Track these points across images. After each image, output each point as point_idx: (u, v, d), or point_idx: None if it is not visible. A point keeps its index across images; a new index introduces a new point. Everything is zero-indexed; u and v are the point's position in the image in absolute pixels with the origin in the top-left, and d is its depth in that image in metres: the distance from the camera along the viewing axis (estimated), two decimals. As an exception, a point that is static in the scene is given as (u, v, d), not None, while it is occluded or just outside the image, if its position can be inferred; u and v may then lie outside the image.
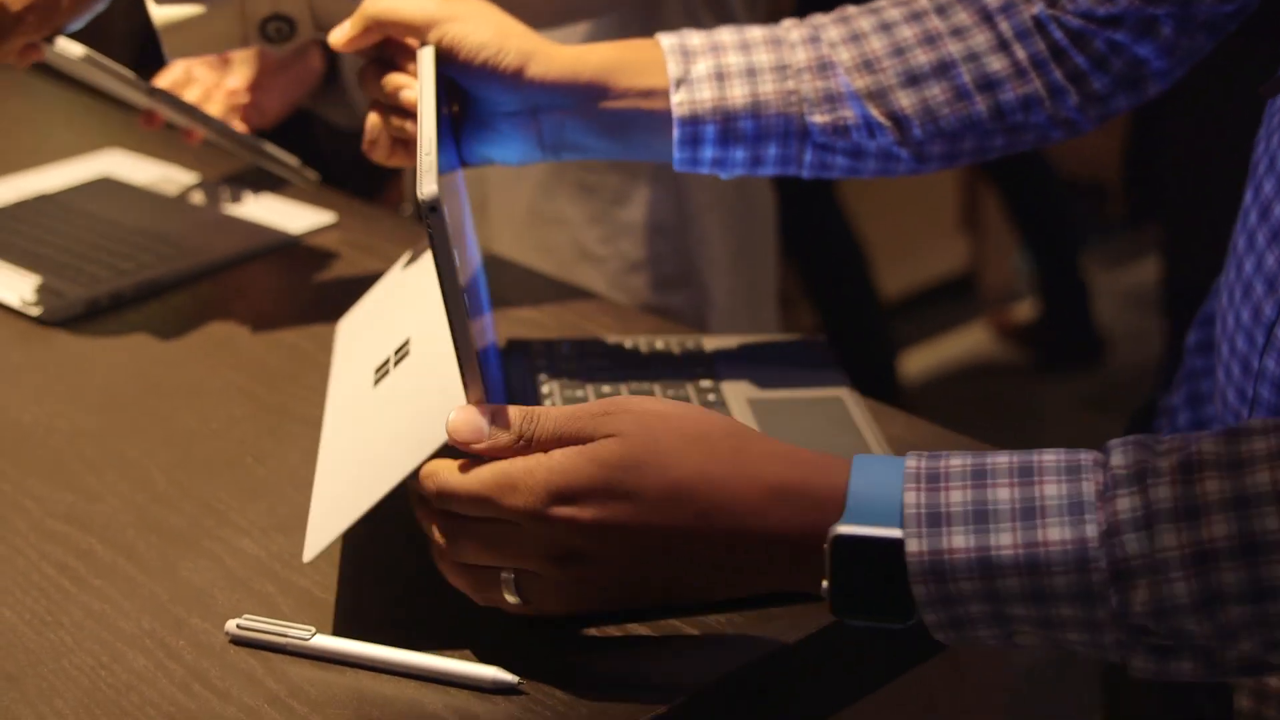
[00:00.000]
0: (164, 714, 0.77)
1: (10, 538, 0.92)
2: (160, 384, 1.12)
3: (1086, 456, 0.70)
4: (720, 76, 0.99)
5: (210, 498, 0.96)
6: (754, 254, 1.53)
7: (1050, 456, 0.70)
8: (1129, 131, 3.35)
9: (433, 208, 0.75)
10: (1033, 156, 2.99)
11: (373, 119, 1.02)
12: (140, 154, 1.57)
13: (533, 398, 1.01)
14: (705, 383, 1.02)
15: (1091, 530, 0.67)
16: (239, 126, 1.41)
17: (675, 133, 1.00)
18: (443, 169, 0.81)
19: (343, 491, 0.85)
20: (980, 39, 1.00)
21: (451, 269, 0.75)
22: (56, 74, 1.82)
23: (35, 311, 1.22)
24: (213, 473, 0.99)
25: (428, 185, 0.75)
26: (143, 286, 1.27)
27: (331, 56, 1.51)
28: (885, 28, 1.01)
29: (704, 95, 0.99)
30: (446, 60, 0.98)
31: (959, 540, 0.69)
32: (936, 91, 1.00)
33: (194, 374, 1.13)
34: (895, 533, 0.70)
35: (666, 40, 1.01)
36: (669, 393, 1.01)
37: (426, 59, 0.95)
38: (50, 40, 1.13)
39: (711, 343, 1.09)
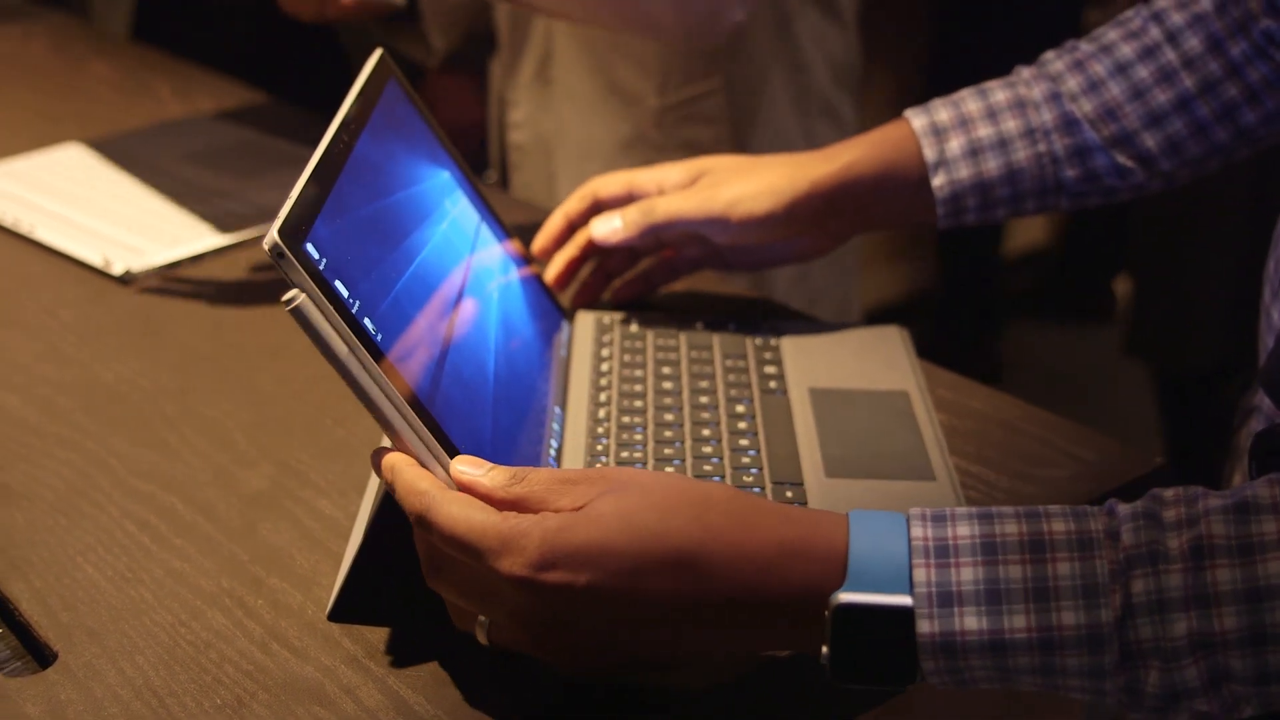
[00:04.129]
0: (242, 672, 0.77)
1: (93, 494, 0.93)
2: (240, 345, 1.13)
3: (1096, 526, 0.68)
4: (974, 152, 1.04)
5: (289, 458, 0.96)
6: None
7: (1060, 527, 0.68)
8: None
9: (279, 254, 0.70)
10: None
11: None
12: (225, 119, 1.58)
13: (594, 373, 1.01)
14: (770, 369, 1.02)
15: (1106, 615, 0.66)
16: None
17: (939, 209, 1.05)
18: (348, 203, 0.79)
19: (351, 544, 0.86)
20: (1213, 67, 1.02)
21: (326, 307, 0.71)
22: (144, 38, 1.84)
23: (117, 270, 1.23)
24: (291, 434, 0.99)
25: (270, 233, 0.70)
26: (224, 248, 1.28)
27: None
28: (1121, 70, 1.04)
29: (961, 175, 1.04)
30: (744, 233, 1.04)
31: (971, 622, 0.67)
32: (1179, 127, 1.03)
33: (274, 336, 1.14)
34: (904, 600, 0.67)
35: (917, 121, 1.05)
36: (730, 377, 1.01)
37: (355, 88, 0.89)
38: None
39: (783, 325, 1.08)
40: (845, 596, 0.67)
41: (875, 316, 1.16)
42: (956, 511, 0.69)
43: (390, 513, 0.80)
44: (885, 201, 1.05)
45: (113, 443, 0.99)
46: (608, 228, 1.06)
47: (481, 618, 0.73)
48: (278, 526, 0.90)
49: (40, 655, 0.80)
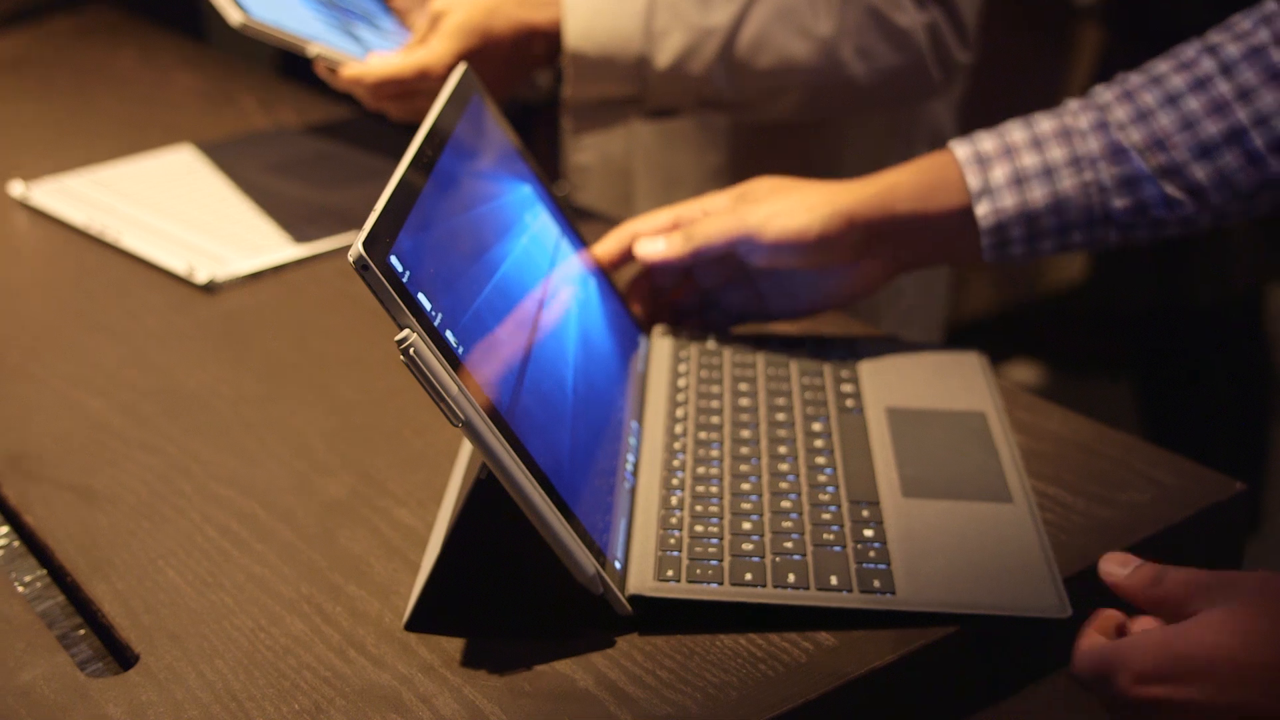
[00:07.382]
0: (320, 678, 0.78)
1: (175, 499, 0.95)
2: (321, 354, 1.14)
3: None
4: (1019, 181, 1.03)
5: (368, 467, 0.97)
6: None
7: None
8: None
9: (363, 266, 0.71)
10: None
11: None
12: (307, 131, 1.60)
13: (671, 389, 1.01)
14: (847, 388, 1.01)
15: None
16: None
17: (983, 240, 1.03)
18: (430, 216, 0.79)
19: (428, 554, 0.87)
20: (1269, 99, 1.00)
21: (403, 316, 0.72)
22: (233, 48, 1.86)
23: (201, 279, 1.25)
24: (371, 443, 1.00)
25: (355, 245, 0.71)
26: (307, 259, 1.29)
27: None
28: (1171, 101, 1.02)
29: (1006, 204, 1.03)
30: (778, 253, 1.03)
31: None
32: (1229, 159, 1.01)
33: (355, 345, 1.15)
34: None
35: (961, 150, 1.04)
36: (807, 395, 1.00)
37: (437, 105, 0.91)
38: None
39: (860, 345, 1.08)
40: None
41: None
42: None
43: (468, 523, 0.81)
44: (927, 231, 1.04)
45: (195, 448, 1.00)
46: (651, 248, 1.07)
47: None
48: (356, 534, 0.90)
49: (122, 657, 0.82)
